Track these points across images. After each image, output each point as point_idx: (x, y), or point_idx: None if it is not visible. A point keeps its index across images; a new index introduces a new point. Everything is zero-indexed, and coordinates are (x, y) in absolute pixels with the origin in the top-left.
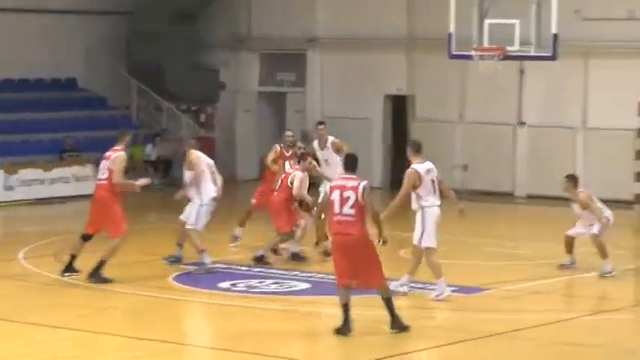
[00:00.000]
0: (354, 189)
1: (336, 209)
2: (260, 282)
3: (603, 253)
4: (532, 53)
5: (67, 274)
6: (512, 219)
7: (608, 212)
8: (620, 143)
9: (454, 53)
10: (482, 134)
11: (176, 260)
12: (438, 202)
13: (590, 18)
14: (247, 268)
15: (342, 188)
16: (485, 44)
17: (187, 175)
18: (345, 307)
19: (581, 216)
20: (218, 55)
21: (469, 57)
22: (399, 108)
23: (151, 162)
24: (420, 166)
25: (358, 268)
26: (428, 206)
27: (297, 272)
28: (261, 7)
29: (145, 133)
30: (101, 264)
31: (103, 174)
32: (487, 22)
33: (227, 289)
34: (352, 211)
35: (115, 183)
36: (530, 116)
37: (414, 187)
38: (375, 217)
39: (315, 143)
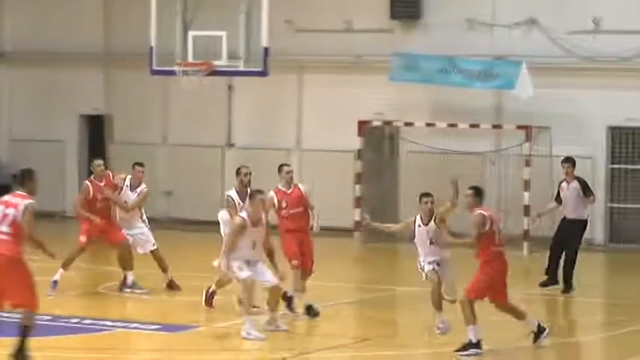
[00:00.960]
0: (16, 206)
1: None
2: None
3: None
4: (241, 68)
5: None
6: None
7: None
8: (339, 166)
9: (155, 69)
10: (188, 157)
11: None
12: None
13: (304, 29)
14: None
15: (6, 204)
16: (190, 59)
17: None
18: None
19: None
20: None
21: (172, 72)
22: (95, 129)
23: None
24: None
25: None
26: None
27: None
28: None
29: None
30: None
31: None
32: (191, 34)
33: None
34: (9, 230)
35: None
36: (240, 137)
37: None
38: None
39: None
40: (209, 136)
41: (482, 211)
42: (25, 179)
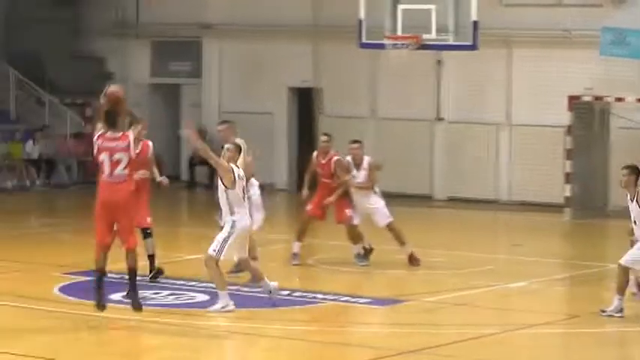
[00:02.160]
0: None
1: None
2: (156, 293)
3: None
4: (450, 42)
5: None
6: (430, 224)
7: None
8: (549, 141)
9: (364, 42)
10: (397, 131)
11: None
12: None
13: (512, 4)
14: (141, 278)
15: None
16: (399, 32)
17: None
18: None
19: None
20: (103, 42)
21: (381, 46)
22: (304, 102)
23: (32, 161)
24: None
25: None
26: None
27: (195, 283)
28: None
29: (24, 128)
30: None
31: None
32: (401, 7)
33: (119, 302)
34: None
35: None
36: (448, 111)
37: None
38: None
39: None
40: (418, 110)
41: None
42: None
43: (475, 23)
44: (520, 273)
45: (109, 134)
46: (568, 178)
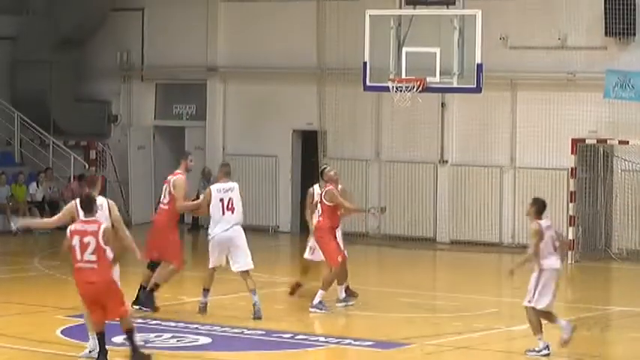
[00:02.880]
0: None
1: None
2: (157, 336)
3: None
4: (455, 85)
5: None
6: (434, 267)
7: None
8: (553, 184)
9: (369, 85)
10: (401, 173)
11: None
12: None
13: (517, 46)
14: (143, 321)
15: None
16: (404, 75)
17: None
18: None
19: None
20: (108, 84)
21: (385, 89)
22: (308, 144)
23: (36, 203)
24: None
25: None
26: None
27: (198, 325)
28: (154, 31)
29: (28, 171)
30: (152, 289)
31: (164, 198)
32: (405, 50)
33: (121, 344)
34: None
35: (176, 208)
36: (452, 154)
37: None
38: None
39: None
40: (422, 152)
41: None
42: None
43: (479, 66)
44: (523, 316)
45: (83, 218)
46: (571, 220)
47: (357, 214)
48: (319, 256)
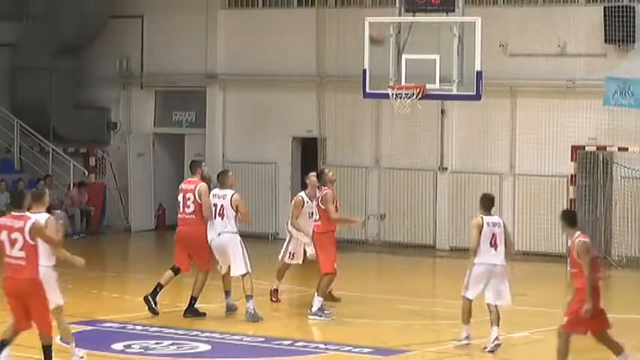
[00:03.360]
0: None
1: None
2: (157, 343)
3: None
4: (454, 92)
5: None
6: (433, 274)
7: None
8: (552, 191)
9: (369, 92)
10: (400, 180)
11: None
12: None
13: (516, 53)
14: (143, 328)
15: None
16: (403, 82)
17: None
18: None
19: None
20: (107, 91)
21: (385, 96)
22: (308, 151)
23: None
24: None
25: None
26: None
27: (197, 332)
28: (154, 38)
29: (28, 178)
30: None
31: (187, 208)
32: (405, 57)
33: (120, 351)
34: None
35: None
36: (452, 161)
37: None
38: None
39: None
40: (421, 159)
41: None
42: None
43: (479, 73)
44: (523, 323)
45: (12, 213)
46: None
47: (344, 224)
48: (298, 260)
